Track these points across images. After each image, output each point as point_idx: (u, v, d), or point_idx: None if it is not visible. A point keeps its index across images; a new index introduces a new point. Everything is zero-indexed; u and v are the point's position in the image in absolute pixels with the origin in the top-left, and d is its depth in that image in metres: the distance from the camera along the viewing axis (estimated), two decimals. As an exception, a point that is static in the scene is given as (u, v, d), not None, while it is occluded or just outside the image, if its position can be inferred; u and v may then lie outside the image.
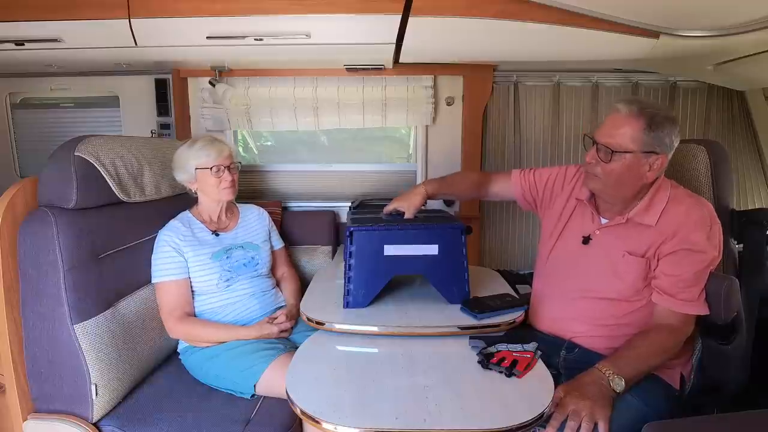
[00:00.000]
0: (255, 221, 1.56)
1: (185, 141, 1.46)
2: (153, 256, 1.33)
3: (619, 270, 1.12)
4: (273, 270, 1.60)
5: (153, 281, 1.32)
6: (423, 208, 1.35)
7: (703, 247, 1.05)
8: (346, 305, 1.22)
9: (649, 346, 1.04)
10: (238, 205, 1.57)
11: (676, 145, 1.08)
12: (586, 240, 1.20)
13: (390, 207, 1.33)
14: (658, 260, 1.09)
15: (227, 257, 1.40)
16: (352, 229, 1.20)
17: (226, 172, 1.40)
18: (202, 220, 1.44)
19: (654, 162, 1.06)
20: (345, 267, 1.24)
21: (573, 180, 1.30)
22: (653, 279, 1.10)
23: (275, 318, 1.38)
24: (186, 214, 1.42)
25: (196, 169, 1.38)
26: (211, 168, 1.37)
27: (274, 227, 1.65)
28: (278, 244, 1.64)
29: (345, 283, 1.23)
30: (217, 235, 1.43)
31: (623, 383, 0.96)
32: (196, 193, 1.44)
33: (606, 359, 1.02)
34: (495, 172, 1.47)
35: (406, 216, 1.30)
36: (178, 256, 1.32)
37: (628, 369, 0.99)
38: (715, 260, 1.08)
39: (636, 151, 1.05)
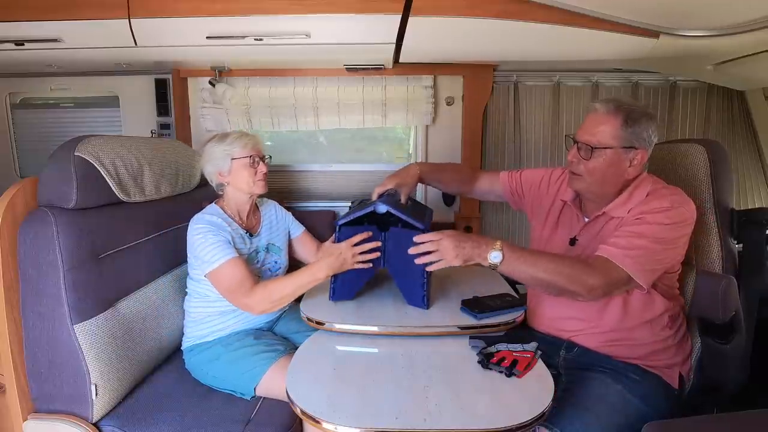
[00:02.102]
0: (274, 219, 1.53)
1: (214, 136, 1.40)
2: (197, 247, 1.25)
3: None
4: (309, 256, 1.58)
5: (208, 270, 1.23)
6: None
7: (648, 215, 1.03)
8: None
9: (561, 260, 1.05)
10: (256, 201, 1.51)
11: (654, 140, 1.10)
12: (573, 241, 1.21)
13: (384, 188, 1.31)
14: None
15: (257, 261, 1.38)
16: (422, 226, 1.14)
17: (260, 164, 1.37)
18: (232, 217, 1.37)
19: (634, 157, 1.08)
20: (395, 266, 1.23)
21: (558, 182, 1.32)
22: None
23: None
24: (218, 210, 1.34)
25: (232, 159, 1.33)
26: (249, 157, 1.34)
27: (289, 214, 1.61)
28: (299, 229, 1.61)
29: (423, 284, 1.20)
30: (251, 235, 1.40)
31: (501, 259, 1.01)
32: (222, 190, 1.39)
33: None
34: (486, 171, 1.50)
35: (402, 200, 1.30)
36: (229, 240, 1.27)
37: (520, 256, 1.04)
38: (663, 231, 1.02)
39: (616, 146, 1.07)
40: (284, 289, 1.24)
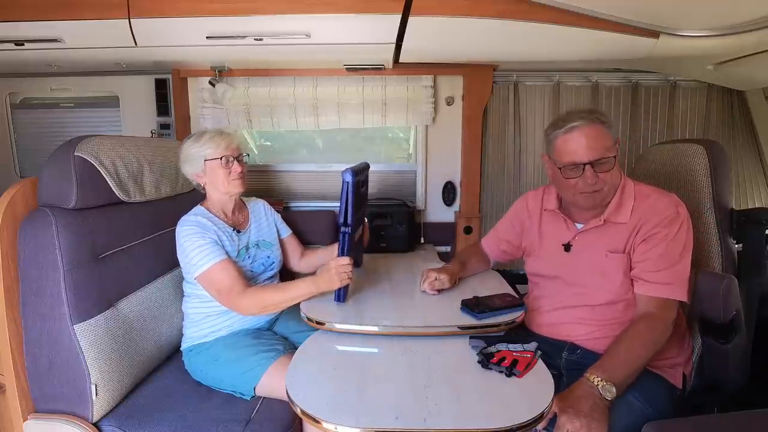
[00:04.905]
0: (263, 217, 1.53)
1: (192, 135, 1.39)
2: (186, 249, 1.25)
3: (607, 270, 1.14)
4: (292, 260, 1.58)
5: (197, 273, 1.24)
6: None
7: (665, 230, 1.08)
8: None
9: (633, 340, 1.03)
10: (243, 199, 1.53)
11: None
12: (567, 247, 1.21)
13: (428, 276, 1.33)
14: (634, 251, 1.12)
15: (248, 257, 1.38)
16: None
17: (235, 163, 1.36)
18: (218, 216, 1.38)
19: (618, 149, 1.14)
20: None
21: (538, 199, 1.34)
22: (631, 270, 1.12)
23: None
24: (203, 210, 1.35)
25: (205, 160, 1.33)
26: (220, 158, 1.33)
27: (277, 215, 1.61)
28: (286, 231, 1.61)
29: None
30: (238, 232, 1.40)
31: (614, 389, 0.95)
32: (204, 189, 1.40)
33: (594, 365, 1.00)
34: (483, 240, 1.54)
35: (446, 284, 1.32)
36: (217, 240, 1.27)
37: (618, 372, 0.98)
38: (681, 241, 1.08)
39: (614, 146, 1.12)
40: (275, 298, 1.24)
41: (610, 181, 1.11)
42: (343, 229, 1.20)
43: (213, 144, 1.33)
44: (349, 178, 1.16)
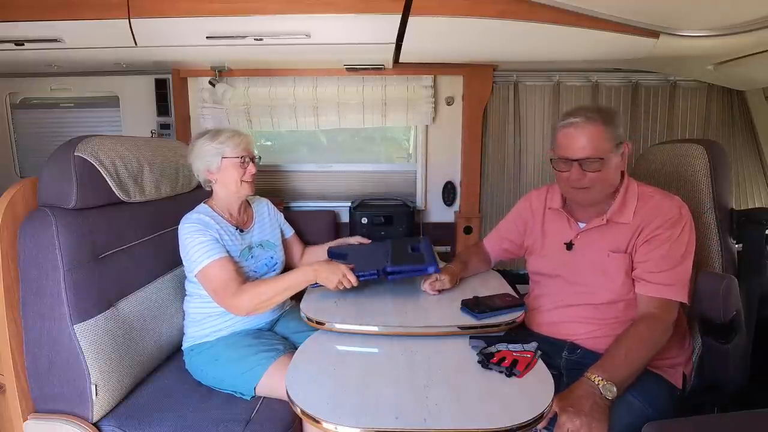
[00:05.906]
0: (266, 217, 1.54)
1: (206, 132, 1.38)
2: (187, 246, 1.26)
3: (608, 269, 1.14)
4: (294, 260, 1.59)
5: (195, 270, 1.25)
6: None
7: (667, 231, 1.08)
8: None
9: (633, 341, 1.04)
10: (248, 198, 1.51)
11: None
12: (569, 246, 1.22)
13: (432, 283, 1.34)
14: (636, 252, 1.13)
15: (252, 257, 1.38)
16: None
17: (250, 164, 1.37)
18: (222, 215, 1.37)
19: (623, 152, 1.13)
20: None
21: (542, 198, 1.34)
22: (633, 271, 1.13)
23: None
24: (206, 209, 1.35)
25: (223, 158, 1.33)
26: (239, 158, 1.34)
27: (281, 215, 1.62)
28: (290, 231, 1.62)
29: None
30: (242, 231, 1.40)
31: (615, 389, 0.95)
32: (210, 186, 1.39)
33: (595, 365, 1.01)
34: (483, 240, 1.54)
35: (447, 285, 1.34)
36: (218, 239, 1.28)
37: (619, 372, 0.98)
38: (683, 243, 1.09)
39: (612, 149, 1.10)
40: (273, 288, 1.24)
41: (600, 181, 1.11)
42: (380, 273, 1.25)
43: (233, 143, 1.34)
44: (432, 270, 1.27)
